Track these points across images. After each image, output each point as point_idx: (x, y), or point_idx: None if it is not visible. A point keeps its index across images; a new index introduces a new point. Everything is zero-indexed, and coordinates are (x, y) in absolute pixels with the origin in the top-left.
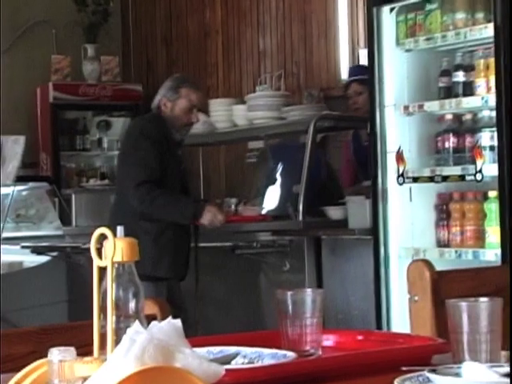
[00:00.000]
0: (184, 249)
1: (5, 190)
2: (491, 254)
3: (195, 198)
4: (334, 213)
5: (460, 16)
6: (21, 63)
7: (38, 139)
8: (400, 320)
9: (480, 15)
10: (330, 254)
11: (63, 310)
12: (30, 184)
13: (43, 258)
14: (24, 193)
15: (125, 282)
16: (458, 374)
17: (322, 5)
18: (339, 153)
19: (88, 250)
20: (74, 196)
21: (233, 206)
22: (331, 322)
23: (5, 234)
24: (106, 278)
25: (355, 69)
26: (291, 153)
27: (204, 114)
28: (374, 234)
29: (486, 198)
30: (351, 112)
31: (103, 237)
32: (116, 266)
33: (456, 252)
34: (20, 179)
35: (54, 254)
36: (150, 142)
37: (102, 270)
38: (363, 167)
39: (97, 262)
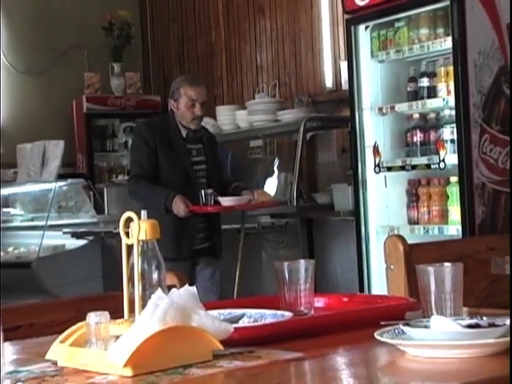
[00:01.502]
0: (188, 233)
1: (48, 186)
2: (453, 229)
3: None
4: (322, 198)
5: (424, 31)
6: (59, 80)
7: (74, 143)
8: (379, 286)
9: (440, 30)
10: (320, 233)
11: (99, 284)
12: (69, 180)
13: (81, 242)
14: (64, 188)
15: (149, 257)
16: (427, 326)
17: (308, 25)
18: (326, 148)
19: (119, 233)
20: (105, 189)
21: (209, 197)
22: (321, 289)
23: (50, 222)
24: (133, 254)
25: None
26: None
27: (212, 119)
28: (356, 215)
29: (448, 182)
30: None
31: (130, 220)
32: (141, 243)
33: (424, 228)
34: (60, 176)
35: (91, 237)
36: (143, 141)
37: (130, 248)
38: None
39: (125, 241)
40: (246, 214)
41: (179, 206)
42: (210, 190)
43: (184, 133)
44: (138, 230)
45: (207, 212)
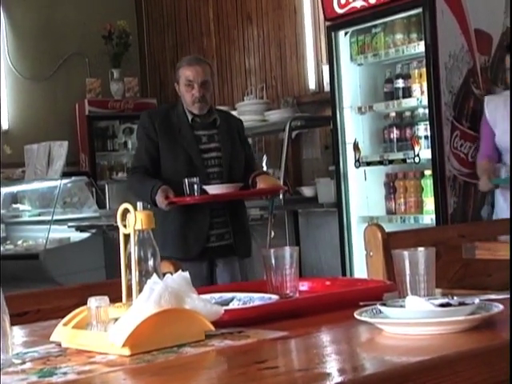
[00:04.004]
0: (197, 228)
1: (54, 183)
2: (428, 218)
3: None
4: (307, 191)
5: (398, 36)
6: (62, 85)
7: (77, 143)
8: (359, 271)
9: (414, 35)
10: (305, 223)
11: (101, 273)
12: (73, 178)
13: (85, 234)
14: (69, 185)
15: (145, 245)
16: (402, 306)
17: (292, 32)
18: (310, 145)
19: None
20: (107, 186)
21: (194, 186)
22: (307, 275)
23: (56, 217)
24: (130, 243)
25: None
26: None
27: None
28: (338, 206)
29: (422, 175)
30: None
31: (127, 211)
32: (137, 232)
33: (401, 218)
34: (65, 174)
35: (93, 230)
36: (142, 131)
37: (127, 237)
38: None
39: (122, 230)
40: (273, 201)
41: (159, 199)
42: (194, 179)
43: (190, 118)
44: (134, 220)
45: (196, 201)
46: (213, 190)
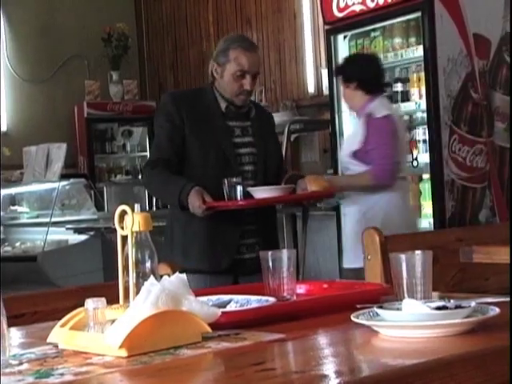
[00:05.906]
0: (228, 237)
1: (52, 186)
2: (426, 222)
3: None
4: None
5: (397, 40)
6: (61, 88)
7: (76, 145)
8: None
9: (412, 39)
10: (303, 227)
11: (99, 276)
12: (72, 180)
13: (83, 237)
14: (67, 187)
15: (142, 247)
16: (399, 309)
17: (292, 36)
18: (309, 149)
19: None
20: (105, 188)
21: (238, 187)
22: (305, 278)
23: (54, 219)
24: (128, 245)
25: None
26: None
27: None
28: (336, 210)
29: (420, 179)
30: None
31: (125, 213)
32: (135, 234)
33: None
34: (63, 177)
35: (92, 233)
36: (165, 117)
37: (125, 239)
38: None
39: (120, 232)
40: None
41: (194, 202)
42: (235, 179)
43: (223, 106)
44: (131, 222)
45: (239, 207)
46: (260, 193)
